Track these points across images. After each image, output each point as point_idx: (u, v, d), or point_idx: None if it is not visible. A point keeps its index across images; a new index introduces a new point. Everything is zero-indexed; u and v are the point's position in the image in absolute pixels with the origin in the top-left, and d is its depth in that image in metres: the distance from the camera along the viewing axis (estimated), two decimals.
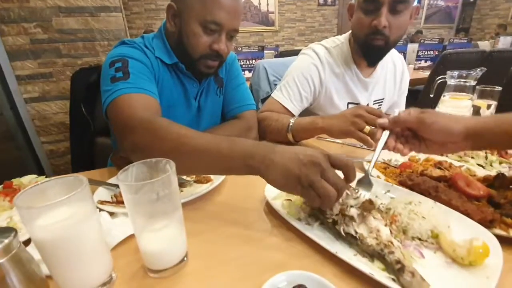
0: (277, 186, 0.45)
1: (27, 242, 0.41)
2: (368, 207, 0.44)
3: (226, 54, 0.76)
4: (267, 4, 6.75)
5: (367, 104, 1.07)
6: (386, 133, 0.55)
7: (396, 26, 0.84)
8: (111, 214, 0.52)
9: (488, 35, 6.80)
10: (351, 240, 0.43)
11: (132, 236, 0.47)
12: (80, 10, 1.50)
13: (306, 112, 1.04)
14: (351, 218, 0.43)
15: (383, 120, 0.56)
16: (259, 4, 6.68)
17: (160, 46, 0.78)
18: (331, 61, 1.00)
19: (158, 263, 0.40)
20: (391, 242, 0.40)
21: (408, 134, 0.55)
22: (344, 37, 1.02)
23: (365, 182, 0.51)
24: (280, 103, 0.98)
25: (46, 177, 0.66)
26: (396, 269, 0.36)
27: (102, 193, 0.59)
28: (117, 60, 0.70)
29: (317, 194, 0.42)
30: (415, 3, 0.87)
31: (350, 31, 0.98)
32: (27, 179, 0.66)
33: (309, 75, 0.98)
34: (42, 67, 1.55)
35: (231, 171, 0.50)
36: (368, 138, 0.70)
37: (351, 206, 0.44)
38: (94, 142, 1.16)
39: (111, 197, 0.58)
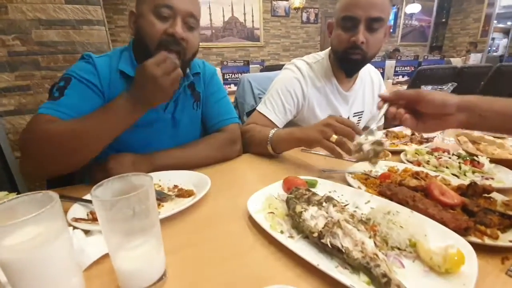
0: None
1: None
2: (378, 147, 0.58)
3: (185, 40, 0.73)
4: (252, 21, 6.95)
5: (348, 117, 1.10)
6: (386, 105, 0.60)
7: (372, 43, 0.89)
8: (86, 232, 0.50)
9: (460, 52, 7.25)
10: (336, 253, 0.43)
11: (106, 256, 0.44)
12: (61, 23, 1.48)
13: (290, 124, 1.06)
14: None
15: (384, 93, 0.61)
16: (245, 20, 6.87)
17: (127, 59, 0.79)
18: (313, 75, 1.03)
19: (134, 283, 0.38)
20: (376, 255, 0.40)
21: (406, 112, 0.58)
22: (324, 53, 1.06)
23: (371, 132, 0.59)
24: (265, 116, 0.99)
25: (17, 194, 0.63)
26: (383, 282, 0.37)
27: (77, 210, 0.57)
28: (64, 78, 0.73)
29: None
30: (388, 23, 0.92)
31: (330, 47, 1.02)
32: None
33: (292, 89, 1.01)
34: (19, 79, 1.49)
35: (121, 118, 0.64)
36: (334, 146, 0.68)
37: (362, 144, 0.57)
38: None
39: (87, 214, 0.56)
